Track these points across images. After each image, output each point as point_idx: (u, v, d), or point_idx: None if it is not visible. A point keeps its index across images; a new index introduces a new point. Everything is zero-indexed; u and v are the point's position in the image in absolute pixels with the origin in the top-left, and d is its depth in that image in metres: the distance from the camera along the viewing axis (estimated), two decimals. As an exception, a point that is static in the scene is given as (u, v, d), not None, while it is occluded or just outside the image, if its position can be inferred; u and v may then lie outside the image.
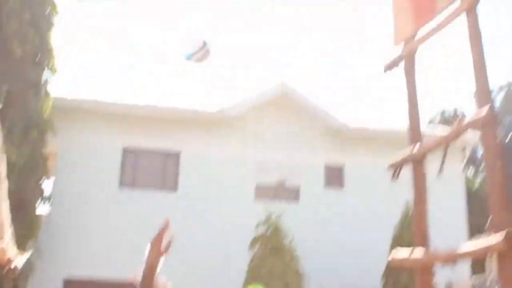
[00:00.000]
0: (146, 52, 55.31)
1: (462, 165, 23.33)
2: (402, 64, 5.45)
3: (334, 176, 18.72)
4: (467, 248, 4.28)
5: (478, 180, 32.03)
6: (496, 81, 44.00)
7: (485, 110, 4.44)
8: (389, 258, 5.22)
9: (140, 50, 54.97)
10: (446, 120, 42.43)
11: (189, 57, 5.15)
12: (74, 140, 17.27)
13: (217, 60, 54.81)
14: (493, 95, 41.65)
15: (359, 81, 54.78)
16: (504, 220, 4.08)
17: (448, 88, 59.14)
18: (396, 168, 5.32)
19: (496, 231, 4.03)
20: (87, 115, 17.42)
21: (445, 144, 4.86)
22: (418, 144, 5.11)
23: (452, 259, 4.53)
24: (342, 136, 18.65)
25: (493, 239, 3.99)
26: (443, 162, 4.86)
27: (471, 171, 36.25)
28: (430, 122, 44.45)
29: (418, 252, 4.87)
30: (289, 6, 55.35)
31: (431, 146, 5.01)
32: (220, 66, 56.17)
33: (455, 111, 40.97)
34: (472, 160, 31.77)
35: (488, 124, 4.48)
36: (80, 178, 16.92)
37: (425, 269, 4.83)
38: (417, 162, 5.12)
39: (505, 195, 4.31)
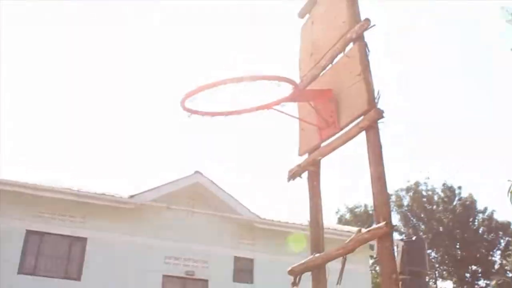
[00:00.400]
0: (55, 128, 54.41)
1: (370, 261, 23.80)
2: (305, 174, 5.61)
3: (244, 269, 18.62)
4: None
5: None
6: (403, 182, 45.79)
7: (383, 224, 4.60)
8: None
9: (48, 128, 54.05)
10: (353, 212, 43.45)
11: None
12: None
13: (130, 146, 54.46)
14: (402, 195, 43.11)
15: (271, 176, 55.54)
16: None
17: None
18: (296, 275, 5.37)
19: None
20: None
21: (344, 253, 4.97)
22: (318, 254, 5.21)
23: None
24: (253, 227, 18.71)
25: None
26: (341, 273, 4.95)
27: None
28: (337, 212, 45.43)
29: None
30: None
31: (330, 256, 5.11)
32: (133, 152, 55.82)
33: (365, 206, 42.09)
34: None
35: (385, 236, 4.64)
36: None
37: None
38: (317, 270, 5.20)
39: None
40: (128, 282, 16.94)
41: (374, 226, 4.69)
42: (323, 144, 5.48)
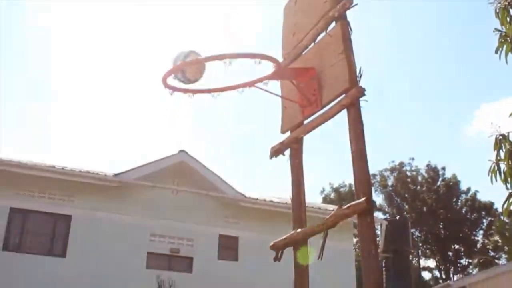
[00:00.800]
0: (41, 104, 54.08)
1: (354, 240, 24.02)
2: (287, 151, 5.67)
3: (229, 247, 18.74)
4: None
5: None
6: (388, 162, 46.09)
7: (362, 200, 4.69)
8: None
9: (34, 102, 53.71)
10: (337, 191, 43.72)
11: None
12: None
13: (116, 122, 54.25)
14: (386, 175, 43.33)
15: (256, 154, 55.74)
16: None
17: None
18: (279, 250, 5.47)
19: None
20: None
21: (325, 229, 5.06)
22: (300, 230, 5.30)
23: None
24: (238, 206, 18.80)
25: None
26: (322, 247, 5.05)
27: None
28: (322, 192, 45.69)
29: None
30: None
31: (312, 231, 5.21)
32: (119, 129, 55.65)
33: (350, 185, 42.29)
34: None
35: (364, 214, 4.73)
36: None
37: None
38: (298, 246, 5.30)
39: (379, 280, 4.52)
40: (113, 259, 17.00)
41: (354, 202, 4.78)
42: (305, 122, 5.54)
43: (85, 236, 17.14)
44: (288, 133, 5.77)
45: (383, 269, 17.70)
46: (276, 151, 5.73)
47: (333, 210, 5.12)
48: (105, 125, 58.47)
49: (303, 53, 5.78)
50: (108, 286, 16.50)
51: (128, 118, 59.42)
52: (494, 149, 5.05)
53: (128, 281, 16.66)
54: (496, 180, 5.04)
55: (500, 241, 38.92)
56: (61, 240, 17.25)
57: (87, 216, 17.37)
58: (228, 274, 17.96)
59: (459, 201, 44.03)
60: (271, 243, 5.56)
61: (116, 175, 17.87)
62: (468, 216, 43.59)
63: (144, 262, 17.57)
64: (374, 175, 43.01)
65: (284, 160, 5.69)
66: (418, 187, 44.45)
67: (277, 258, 5.55)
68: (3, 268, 16.13)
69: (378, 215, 37.70)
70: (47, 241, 17.28)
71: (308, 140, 5.64)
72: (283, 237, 5.43)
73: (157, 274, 15.42)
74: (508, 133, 5.05)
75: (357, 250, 28.34)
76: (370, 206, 4.73)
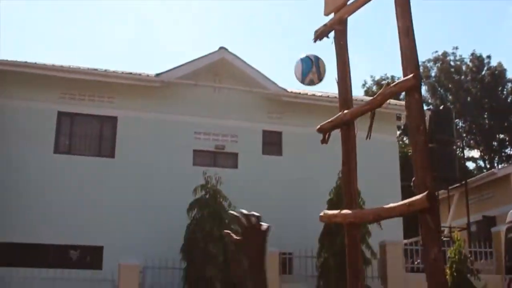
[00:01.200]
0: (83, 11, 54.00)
1: (397, 132, 23.99)
2: (332, 34, 5.54)
3: (272, 142, 18.94)
4: (392, 205, 4.50)
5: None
6: (431, 52, 44.98)
7: (410, 76, 4.60)
8: (321, 214, 5.42)
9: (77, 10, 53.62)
10: (379, 84, 43.21)
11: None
12: (6, 104, 16.79)
13: (158, 24, 53.95)
14: (429, 66, 42.43)
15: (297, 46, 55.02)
16: (426, 180, 4.28)
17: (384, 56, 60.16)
18: (326, 132, 5.45)
19: (419, 191, 4.24)
20: (21, 77, 16.94)
21: (372, 108, 5.02)
22: (347, 111, 5.26)
23: (379, 216, 4.73)
24: (280, 101, 18.81)
25: (416, 197, 4.20)
26: (370, 127, 5.01)
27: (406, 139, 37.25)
28: (364, 85, 45.28)
29: (347, 211, 5.07)
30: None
31: (359, 111, 5.17)
32: (160, 30, 55.41)
33: (392, 77, 41.70)
34: (407, 128, 32.54)
35: (412, 90, 4.65)
36: (14, 143, 16.51)
37: (352, 225, 5.05)
38: (346, 126, 5.27)
39: (427, 156, 4.51)
40: (160, 158, 17.40)
41: (402, 79, 4.69)
42: (348, 3, 5.38)
43: (131, 137, 17.52)
44: (331, 16, 5.62)
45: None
46: (320, 34, 5.59)
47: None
48: (144, 26, 58.28)
49: None
50: (156, 185, 17.00)
51: (166, 17, 59.04)
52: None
53: (175, 178, 17.10)
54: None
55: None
56: (109, 141, 17.69)
57: (132, 117, 17.67)
58: (272, 168, 18.25)
59: (505, 90, 43.07)
60: (318, 126, 5.54)
61: (157, 75, 17.98)
62: (513, 105, 42.79)
63: (191, 159, 17.95)
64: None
65: (327, 50, 5.58)
66: (462, 77, 43.53)
67: (324, 141, 5.54)
68: (55, 170, 16.73)
69: (421, 107, 37.15)
70: (95, 143, 17.75)
71: (350, 32, 5.49)
72: (330, 119, 5.40)
73: (203, 170, 15.73)
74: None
75: (400, 142, 28.34)
76: (418, 82, 4.63)
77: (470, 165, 43.81)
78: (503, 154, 43.53)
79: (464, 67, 43.82)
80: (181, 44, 59.64)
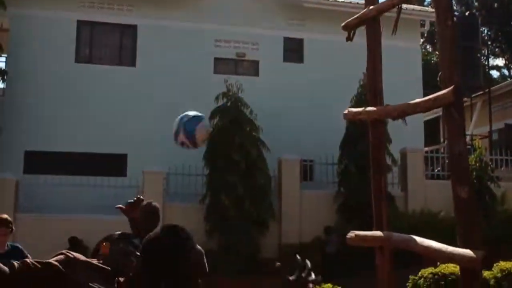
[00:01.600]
0: None
1: (420, 40, 23.53)
2: None
3: (294, 49, 18.72)
4: (417, 100, 4.46)
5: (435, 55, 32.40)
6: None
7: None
8: (345, 111, 5.40)
9: None
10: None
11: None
12: (25, 14, 16.66)
13: None
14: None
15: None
16: (452, 75, 4.21)
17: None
18: (350, 30, 5.35)
19: (444, 86, 4.17)
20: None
21: (398, 3, 4.89)
22: (372, 6, 5.13)
23: (403, 112, 4.69)
24: (301, 7, 18.41)
25: (442, 91, 4.14)
26: (396, 21, 4.92)
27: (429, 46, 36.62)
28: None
29: (371, 108, 5.04)
30: None
31: (384, 7, 5.04)
32: None
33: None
34: (430, 35, 31.86)
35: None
36: (35, 53, 16.50)
37: (377, 122, 5.03)
38: (371, 22, 5.15)
39: (454, 51, 4.41)
40: (181, 66, 17.32)
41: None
42: None
43: (152, 46, 17.41)
44: None
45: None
46: None
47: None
48: None
49: None
50: (178, 94, 16.95)
51: None
52: None
53: (197, 87, 17.07)
54: None
55: None
56: (130, 50, 17.61)
57: (152, 25, 17.48)
58: (293, 76, 18.11)
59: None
60: (343, 24, 5.44)
61: (176, -19, 17.63)
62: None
63: (211, 67, 17.88)
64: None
65: None
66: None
67: (349, 38, 5.45)
68: (77, 80, 16.78)
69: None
70: (116, 52, 17.69)
71: None
72: (355, 16, 5.28)
73: (224, 78, 15.67)
74: None
75: (423, 50, 27.90)
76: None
77: (494, 73, 43.16)
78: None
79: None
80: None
